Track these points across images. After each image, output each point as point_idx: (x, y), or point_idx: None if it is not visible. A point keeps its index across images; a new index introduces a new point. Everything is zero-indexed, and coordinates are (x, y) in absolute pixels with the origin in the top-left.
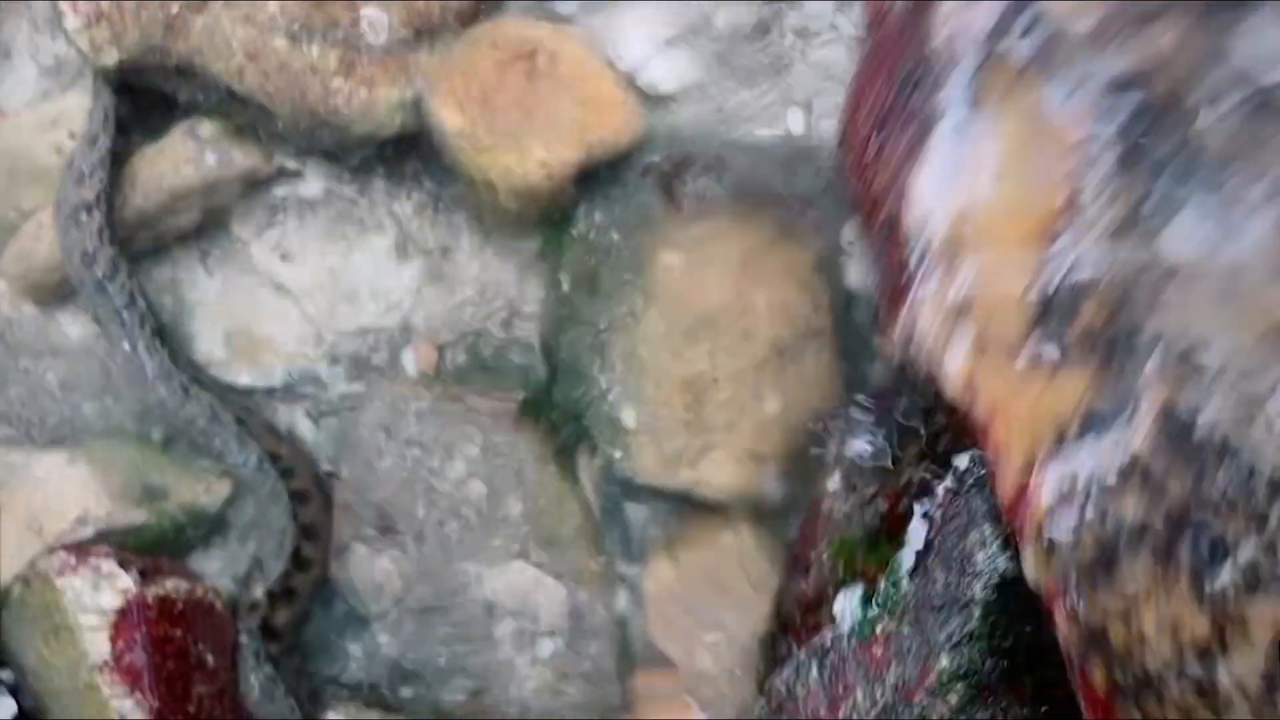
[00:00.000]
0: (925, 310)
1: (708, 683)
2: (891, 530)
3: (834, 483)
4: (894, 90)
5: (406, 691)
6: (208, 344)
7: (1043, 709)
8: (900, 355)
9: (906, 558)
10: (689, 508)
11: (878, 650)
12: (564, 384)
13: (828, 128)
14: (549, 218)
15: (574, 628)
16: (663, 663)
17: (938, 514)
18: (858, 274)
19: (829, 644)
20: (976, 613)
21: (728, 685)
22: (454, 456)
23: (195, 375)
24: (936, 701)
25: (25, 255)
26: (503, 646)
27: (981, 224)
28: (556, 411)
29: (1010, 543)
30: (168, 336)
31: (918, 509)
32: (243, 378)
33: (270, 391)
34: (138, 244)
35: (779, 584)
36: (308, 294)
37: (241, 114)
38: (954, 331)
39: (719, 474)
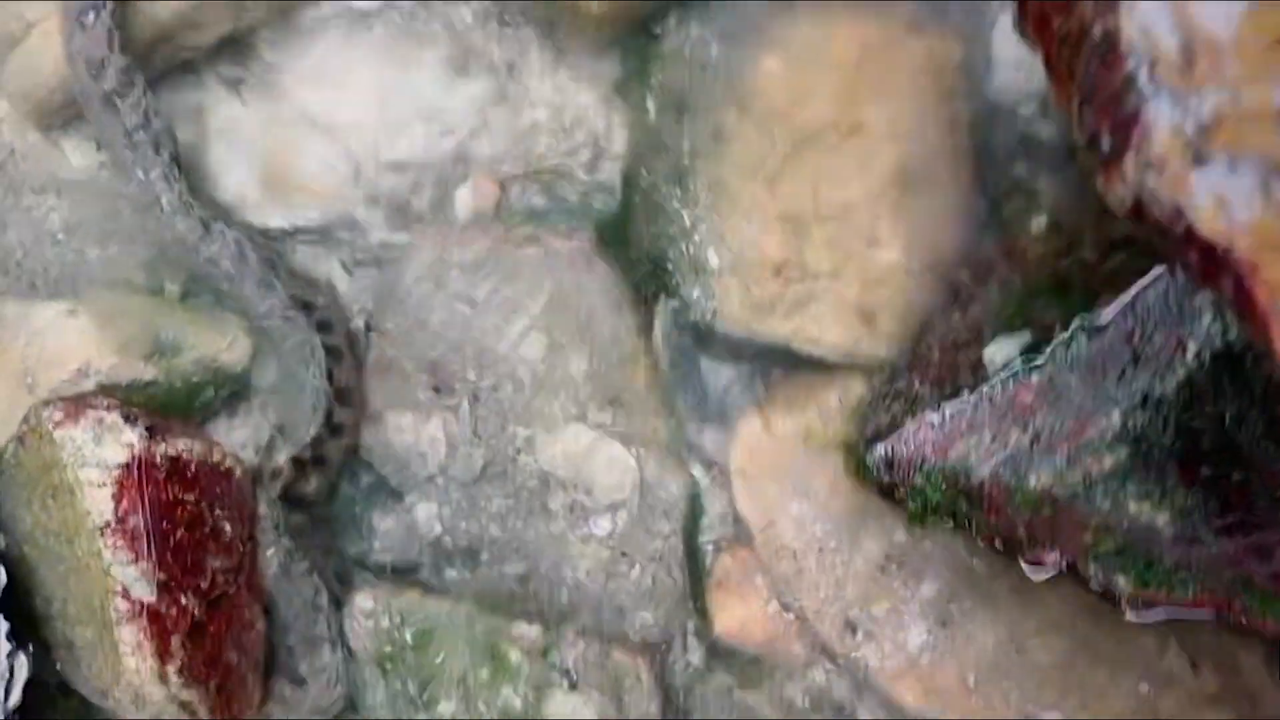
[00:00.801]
0: (1161, 134)
1: (785, 558)
2: (1090, 283)
3: (1040, 223)
4: None
5: (450, 573)
6: (234, 180)
7: (1210, 503)
8: (1132, 194)
9: (1112, 308)
10: (781, 366)
11: (1027, 396)
12: (641, 220)
13: None
14: (634, 30)
15: (637, 501)
16: (737, 541)
17: (1158, 275)
18: (1007, 83)
19: (964, 383)
20: (1177, 378)
21: (809, 560)
22: (512, 308)
23: (217, 212)
24: (1086, 458)
25: (28, 71)
26: (556, 522)
27: (1219, 31)
28: (632, 253)
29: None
30: (187, 167)
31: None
32: (273, 219)
33: (302, 235)
34: (154, 63)
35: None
36: (350, 123)
37: None
38: (1200, 157)
39: (821, 329)
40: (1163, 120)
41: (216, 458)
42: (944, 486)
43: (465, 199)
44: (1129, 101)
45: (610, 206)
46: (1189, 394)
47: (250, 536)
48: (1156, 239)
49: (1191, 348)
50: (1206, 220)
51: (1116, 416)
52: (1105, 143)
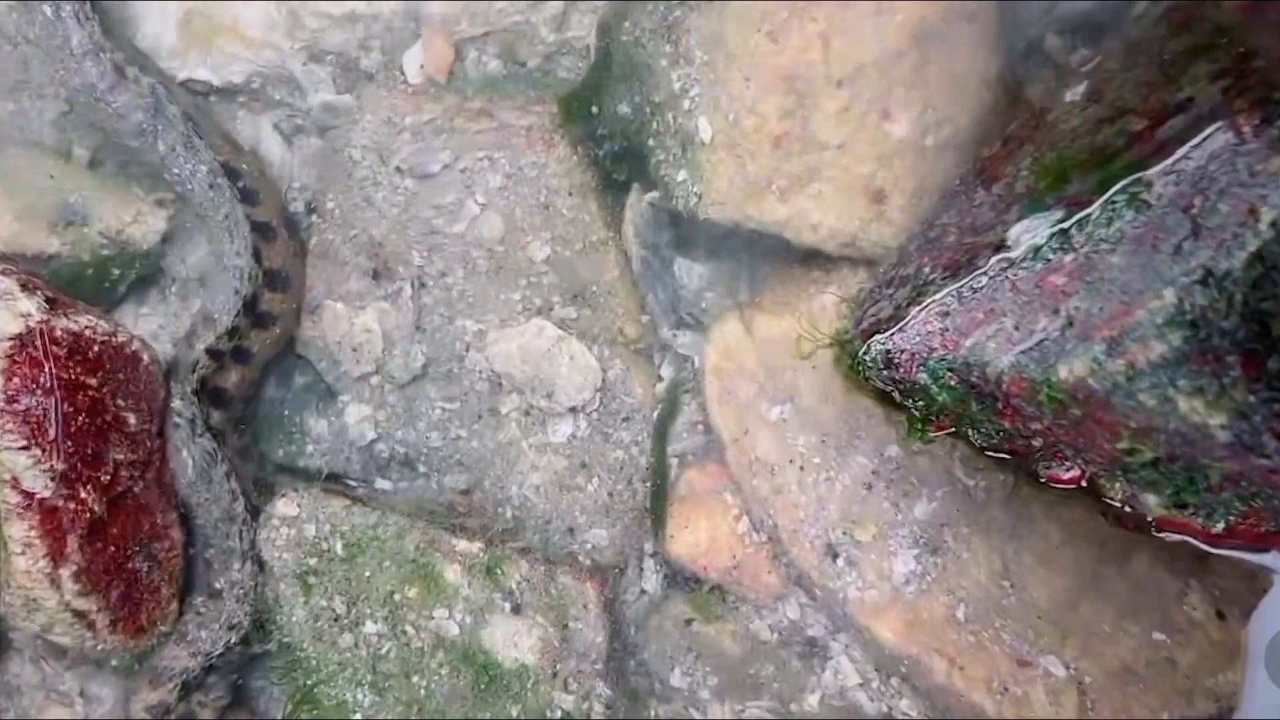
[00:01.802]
0: None
1: (760, 473)
2: (1139, 154)
3: (1076, 92)
4: None
5: (383, 483)
6: (155, 26)
7: (1276, 404)
8: None
9: (1160, 177)
10: (772, 261)
11: (1058, 279)
12: (621, 85)
13: None
14: None
15: (599, 406)
16: (706, 454)
17: (1225, 137)
18: None
19: (982, 266)
20: (1248, 250)
21: (787, 476)
22: (465, 185)
23: (134, 57)
24: (1130, 344)
25: None
26: (507, 428)
27: None
28: (604, 128)
29: None
30: (102, 8)
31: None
32: (198, 71)
33: (230, 93)
34: None
35: (933, 201)
36: None
37: None
38: None
39: (822, 211)
40: None
41: (121, 339)
42: (953, 383)
43: (415, 61)
44: None
45: (578, 73)
46: (1261, 270)
47: (160, 432)
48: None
49: (1266, 215)
50: None
51: (1171, 296)
52: None
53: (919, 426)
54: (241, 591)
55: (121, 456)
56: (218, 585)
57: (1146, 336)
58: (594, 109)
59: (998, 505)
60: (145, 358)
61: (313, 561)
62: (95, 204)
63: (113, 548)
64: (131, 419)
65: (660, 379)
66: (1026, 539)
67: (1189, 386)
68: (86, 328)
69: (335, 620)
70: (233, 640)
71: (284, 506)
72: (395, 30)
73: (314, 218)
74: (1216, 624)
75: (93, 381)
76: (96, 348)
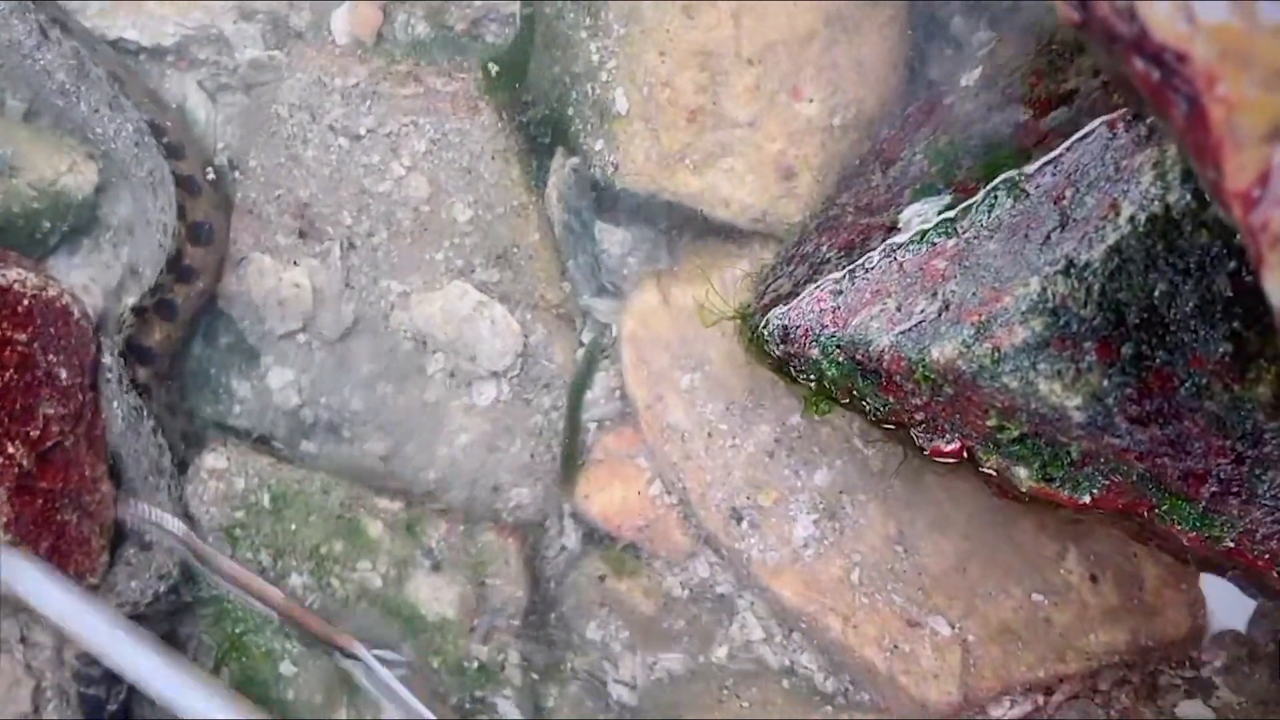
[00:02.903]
0: None
1: (671, 438)
2: (1024, 143)
3: (971, 77)
4: None
5: (308, 446)
6: None
7: (1127, 388)
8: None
9: (1039, 168)
10: (688, 232)
11: (939, 263)
12: (544, 54)
13: None
14: None
15: (520, 371)
16: (622, 419)
17: (1098, 132)
18: None
19: (874, 247)
20: (1106, 242)
21: (696, 442)
22: (392, 148)
23: (58, 16)
24: (996, 329)
25: None
26: (432, 389)
27: None
28: (528, 94)
29: (1190, 180)
30: None
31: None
32: (128, 31)
33: (158, 53)
34: None
35: (835, 180)
36: None
37: None
38: None
39: (733, 186)
40: None
41: (52, 293)
42: (841, 360)
43: (344, 22)
44: None
45: (504, 39)
46: (1118, 262)
47: (91, 385)
48: (1103, 46)
49: (1126, 210)
50: (1162, 21)
51: (1035, 284)
52: None
53: (814, 401)
54: (170, 545)
55: (52, 411)
56: (147, 537)
57: (1011, 322)
58: (518, 76)
59: (893, 474)
60: (76, 312)
61: (240, 515)
62: (26, 154)
63: (41, 500)
64: (63, 373)
65: (580, 344)
66: (920, 507)
67: (1049, 370)
68: (15, 281)
69: (262, 572)
70: (162, 589)
71: (212, 460)
72: None
73: (236, 174)
74: (1090, 587)
75: (22, 337)
76: (27, 302)
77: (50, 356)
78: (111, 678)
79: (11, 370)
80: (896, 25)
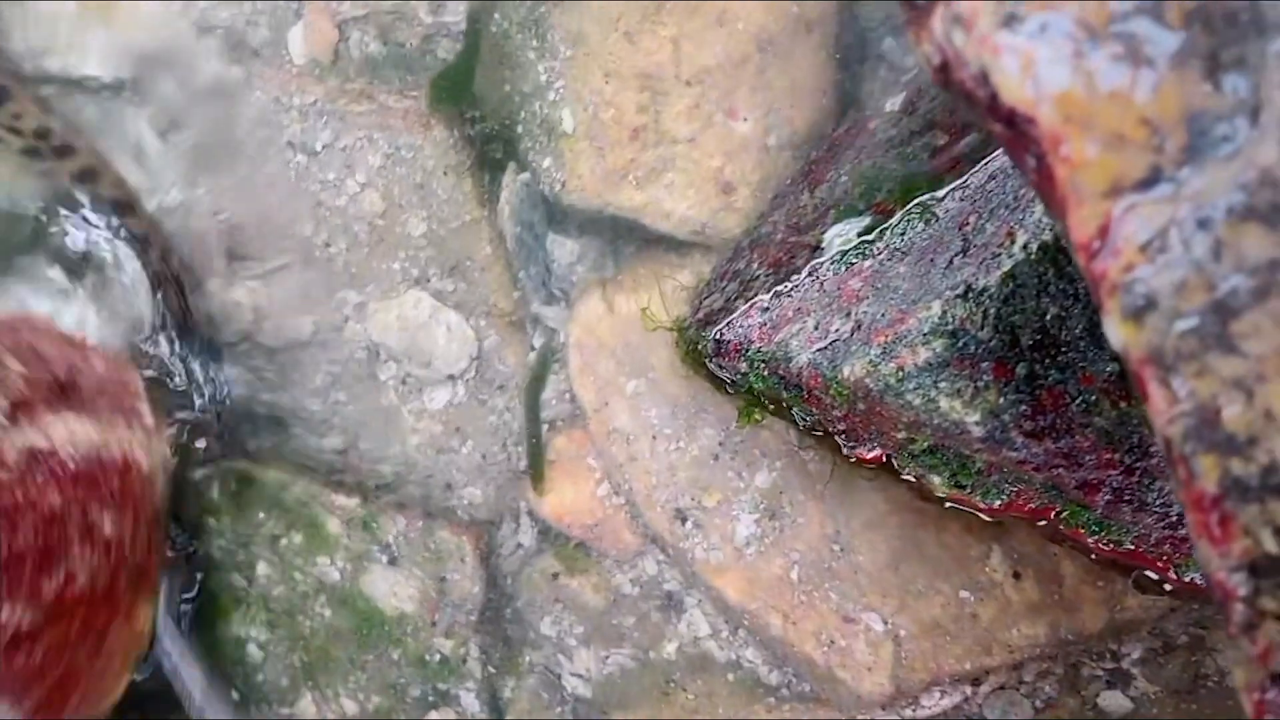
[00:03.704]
0: None
1: (618, 442)
2: (938, 168)
3: (894, 102)
4: None
5: (264, 441)
6: (52, 17)
7: (1022, 404)
8: (939, 53)
9: (949, 195)
10: (633, 243)
11: (855, 283)
12: (490, 73)
13: None
14: None
15: (474, 374)
16: (572, 421)
17: (1001, 160)
18: None
19: (800, 267)
20: (1002, 269)
21: (641, 445)
22: (346, 164)
23: None
24: (901, 350)
25: None
26: (386, 393)
27: None
28: (477, 110)
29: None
30: None
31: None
32: (87, 67)
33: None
34: None
35: (770, 198)
36: None
37: None
38: (1011, 16)
39: (674, 200)
40: None
41: (112, 453)
42: (766, 374)
43: (299, 41)
44: None
45: (453, 55)
46: (1012, 287)
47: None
48: (965, 104)
49: (1020, 238)
50: (1011, 86)
51: (937, 307)
52: None
53: (747, 411)
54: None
55: (83, 564)
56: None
57: (915, 343)
58: (468, 94)
59: (829, 475)
60: (140, 468)
61: (207, 506)
62: None
63: (43, 653)
64: (106, 527)
65: (532, 349)
66: (855, 507)
67: (949, 388)
68: (64, 443)
69: (229, 560)
70: None
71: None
72: (280, 11)
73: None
74: (1013, 583)
75: (54, 499)
76: (71, 466)
77: (92, 513)
78: None
79: (28, 535)
80: (826, 50)
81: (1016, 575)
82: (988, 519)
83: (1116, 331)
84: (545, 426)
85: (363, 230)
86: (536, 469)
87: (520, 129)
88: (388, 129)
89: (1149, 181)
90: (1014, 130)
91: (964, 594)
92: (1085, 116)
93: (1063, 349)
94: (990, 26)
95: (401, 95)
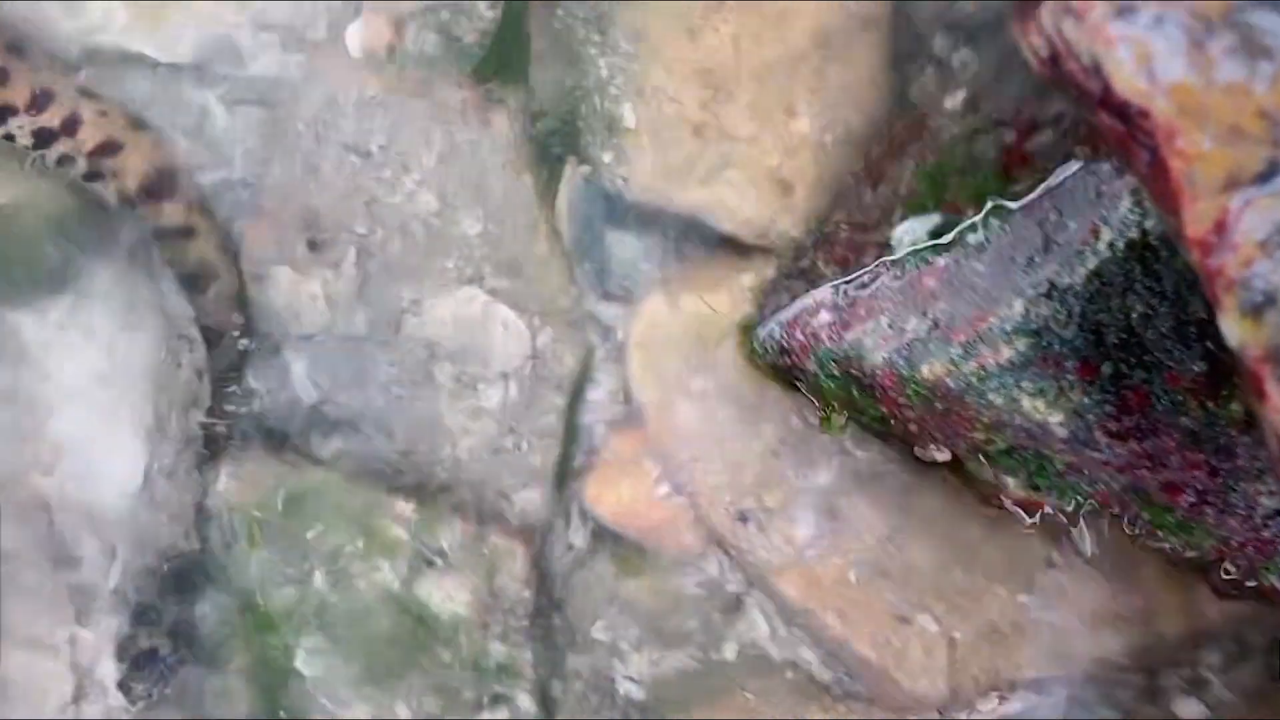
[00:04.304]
0: None
1: (680, 441)
2: (1009, 166)
3: (954, 100)
4: None
5: (324, 444)
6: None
7: (1107, 405)
8: (1048, 44)
9: (1029, 191)
10: (695, 243)
11: (930, 281)
12: (551, 68)
13: None
14: None
15: (529, 372)
16: (629, 421)
17: (1084, 152)
18: None
19: (869, 265)
20: (1087, 267)
21: (705, 445)
22: (406, 160)
23: None
24: (982, 348)
25: None
26: (442, 392)
27: None
28: (537, 105)
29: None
30: None
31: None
32: (147, 47)
33: (176, 69)
34: None
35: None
36: None
37: None
38: (1125, 6)
39: (739, 198)
40: None
41: None
42: (837, 373)
43: (356, 37)
44: None
45: (514, 51)
46: (1098, 285)
47: None
48: (1072, 98)
49: (1105, 235)
50: (1126, 77)
51: (1019, 306)
52: None
53: (827, 417)
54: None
55: None
56: None
57: (996, 341)
58: (529, 88)
59: (889, 474)
60: None
61: (259, 515)
62: None
63: None
64: None
65: (588, 348)
66: (913, 508)
67: (1032, 388)
68: None
69: (285, 573)
70: None
71: (232, 465)
72: (336, 7)
73: (253, 186)
74: (1078, 589)
75: None
76: None
77: None
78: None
79: None
80: (882, 48)
81: (1079, 580)
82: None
83: (1233, 328)
84: (601, 426)
85: (419, 228)
86: (567, 468)
87: (581, 124)
88: (445, 123)
89: (1267, 175)
90: (1126, 123)
91: (1023, 598)
92: (1201, 109)
93: (1149, 348)
94: (1104, 17)
95: (460, 88)
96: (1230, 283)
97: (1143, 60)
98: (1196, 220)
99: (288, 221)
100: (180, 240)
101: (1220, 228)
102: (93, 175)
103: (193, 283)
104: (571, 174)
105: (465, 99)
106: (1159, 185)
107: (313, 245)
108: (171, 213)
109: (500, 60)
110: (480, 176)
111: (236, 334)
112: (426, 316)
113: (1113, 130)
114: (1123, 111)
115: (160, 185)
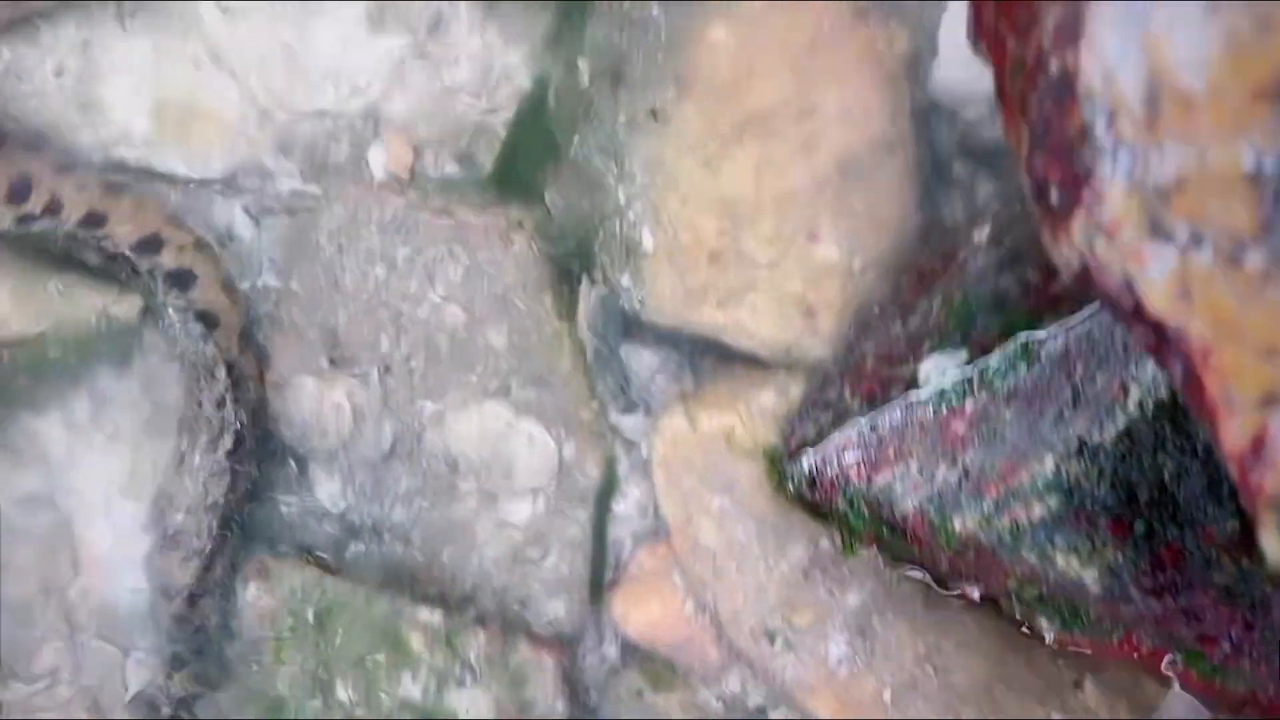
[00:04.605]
0: (1115, 196)
1: (704, 559)
2: (1036, 305)
3: (982, 234)
4: None
5: (349, 552)
6: (127, 116)
7: (1141, 562)
8: (1079, 258)
9: (1052, 335)
10: (713, 357)
11: (959, 426)
12: (570, 194)
13: None
14: None
15: (555, 487)
16: (655, 536)
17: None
18: (953, 80)
19: (897, 402)
20: (1117, 425)
21: (728, 563)
22: (428, 277)
23: None
24: (1014, 504)
25: None
26: (467, 504)
27: (1192, 78)
28: (557, 228)
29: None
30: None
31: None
32: (174, 164)
33: (206, 183)
34: None
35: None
36: (254, 65)
37: None
38: (1157, 226)
39: (756, 321)
40: (1119, 180)
41: None
42: (867, 514)
43: (378, 160)
44: (1083, 155)
45: (532, 174)
46: (1129, 445)
47: None
48: (1103, 305)
49: (1134, 394)
50: (1158, 298)
51: (1050, 462)
52: (1054, 195)
53: (850, 545)
54: None
55: None
56: None
57: (1028, 498)
58: (547, 211)
59: (922, 596)
60: None
61: (289, 624)
62: None
63: None
64: None
65: (611, 461)
66: (947, 629)
67: (1065, 545)
68: None
69: (310, 685)
70: None
71: (259, 575)
72: (358, 128)
73: (280, 295)
74: (1108, 711)
75: None
76: None
77: None
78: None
79: None
80: (908, 173)
81: (1111, 705)
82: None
83: (1273, 544)
84: (629, 540)
85: (443, 342)
86: (599, 582)
87: (598, 247)
88: (468, 244)
89: None
90: (1159, 336)
91: (1056, 717)
92: (1237, 327)
93: (1182, 505)
94: (1136, 235)
95: (482, 211)
96: (1271, 500)
97: (1176, 280)
98: (1234, 436)
99: (313, 334)
100: (182, 284)
101: (1258, 445)
102: (81, 245)
103: (204, 321)
104: (588, 293)
105: (487, 223)
106: (1195, 397)
107: (334, 361)
108: (169, 260)
109: (518, 182)
110: (504, 292)
111: (251, 370)
112: (451, 430)
113: (1147, 341)
114: (1157, 328)
115: (150, 243)
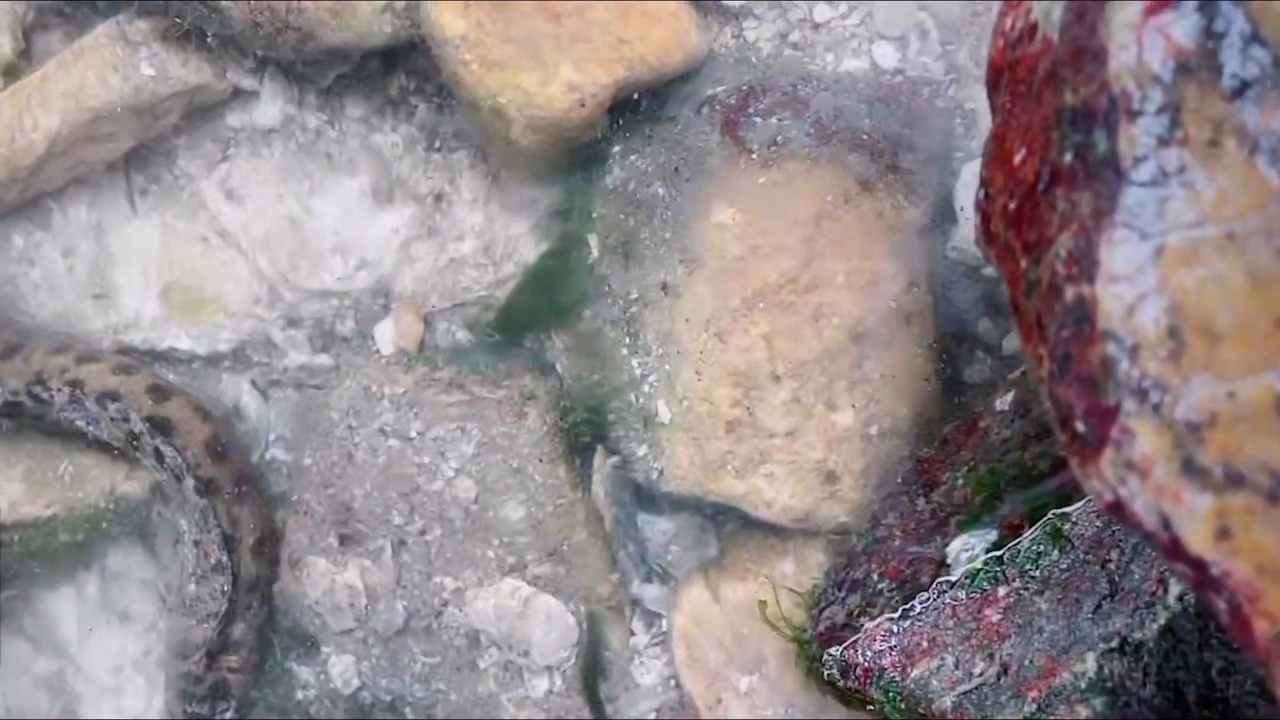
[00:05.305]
0: (1145, 433)
1: None
2: (1059, 483)
3: (1004, 402)
4: (1055, 131)
5: None
6: (137, 299)
7: None
8: (1112, 492)
9: (1084, 517)
10: (733, 524)
11: (993, 615)
12: (582, 365)
13: (927, 58)
14: (575, 160)
15: (574, 662)
16: (681, 708)
17: None
18: (970, 237)
19: (925, 584)
20: (1159, 622)
21: None
22: (440, 452)
23: None
24: (1058, 705)
25: None
26: (486, 681)
27: (1214, 309)
28: (570, 400)
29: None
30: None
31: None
32: (181, 341)
33: (215, 360)
34: (47, 175)
35: (876, 488)
36: (260, 244)
37: (185, 11)
38: (1191, 464)
39: (775, 489)
40: (1147, 418)
41: None
42: (903, 706)
43: (387, 333)
44: (1107, 390)
45: (542, 345)
46: (1172, 641)
47: None
48: (1141, 539)
49: (1174, 589)
50: (1197, 539)
51: (1092, 661)
52: (1081, 426)
53: None
54: None
55: None
56: None
57: (1071, 698)
58: (560, 383)
59: None
60: None
61: None
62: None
63: None
64: None
65: (633, 634)
66: None
67: None
68: None
69: None
70: None
71: None
72: (366, 303)
73: (291, 468)
74: None
75: None
76: None
77: None
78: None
79: None
80: (925, 339)
81: None
82: None
83: None
84: (653, 715)
85: (458, 517)
86: None
87: (613, 418)
88: (481, 419)
89: None
90: (1200, 573)
91: None
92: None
93: (1232, 704)
94: (1169, 474)
95: (494, 385)
96: None
97: (1215, 522)
98: None
99: (324, 511)
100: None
101: None
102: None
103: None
104: (602, 463)
105: (500, 396)
106: (1243, 635)
107: (345, 539)
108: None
109: (528, 354)
110: (519, 465)
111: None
112: (468, 607)
113: (1188, 576)
114: (1197, 565)
115: (116, 393)
